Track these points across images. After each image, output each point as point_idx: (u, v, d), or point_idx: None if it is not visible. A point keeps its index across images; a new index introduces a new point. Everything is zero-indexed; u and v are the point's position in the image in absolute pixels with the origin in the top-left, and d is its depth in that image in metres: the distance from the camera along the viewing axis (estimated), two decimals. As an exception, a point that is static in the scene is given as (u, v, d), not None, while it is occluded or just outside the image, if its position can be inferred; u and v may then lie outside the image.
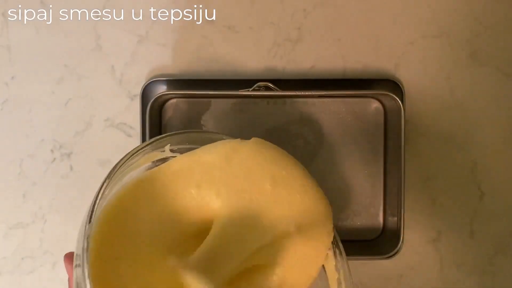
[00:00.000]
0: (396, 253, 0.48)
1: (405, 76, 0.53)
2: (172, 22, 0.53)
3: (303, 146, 0.52)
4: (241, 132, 0.52)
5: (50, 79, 0.53)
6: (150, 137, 0.48)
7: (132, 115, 0.53)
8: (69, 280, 0.37)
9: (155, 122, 0.50)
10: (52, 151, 0.53)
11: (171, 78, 0.52)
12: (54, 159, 0.53)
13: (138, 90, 0.52)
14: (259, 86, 0.49)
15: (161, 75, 0.52)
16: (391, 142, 0.51)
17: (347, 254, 0.51)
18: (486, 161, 0.54)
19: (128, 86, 0.53)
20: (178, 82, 0.52)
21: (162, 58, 0.53)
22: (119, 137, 0.53)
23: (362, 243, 0.52)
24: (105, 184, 0.33)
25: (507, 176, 0.54)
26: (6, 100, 0.53)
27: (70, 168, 0.53)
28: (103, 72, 0.53)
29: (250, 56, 0.53)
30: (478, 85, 0.53)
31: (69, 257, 0.37)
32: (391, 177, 0.51)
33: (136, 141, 0.53)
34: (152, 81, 0.51)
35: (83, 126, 0.53)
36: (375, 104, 0.51)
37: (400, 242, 0.48)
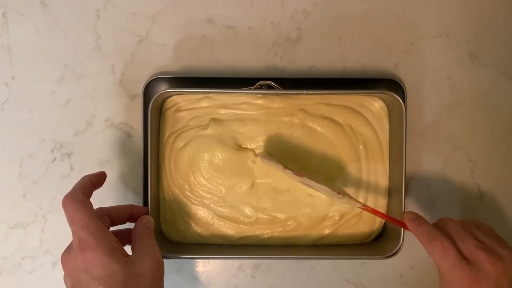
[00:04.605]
0: (396, 252, 0.48)
1: (405, 76, 0.53)
2: (172, 22, 0.53)
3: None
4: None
5: (50, 79, 0.53)
6: (152, 135, 0.48)
7: (132, 115, 0.53)
8: (71, 218, 0.39)
9: (156, 119, 0.50)
10: (52, 151, 0.53)
11: (173, 76, 0.52)
12: (54, 159, 0.53)
13: (138, 90, 0.52)
14: (261, 85, 0.49)
15: (163, 73, 0.52)
16: (393, 142, 0.51)
17: (349, 253, 0.51)
18: (486, 161, 0.54)
19: (128, 86, 0.53)
20: (180, 80, 0.52)
21: (162, 58, 0.53)
22: (119, 137, 0.53)
23: (363, 243, 0.53)
24: None
25: (507, 176, 0.54)
26: (6, 100, 0.53)
27: (70, 168, 0.53)
28: (103, 72, 0.53)
29: (250, 56, 0.53)
30: (478, 85, 0.53)
31: (71, 197, 0.40)
32: (393, 177, 0.51)
33: (136, 141, 0.53)
34: (154, 79, 0.51)
35: (83, 126, 0.53)
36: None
37: (401, 242, 0.48)
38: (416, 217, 0.44)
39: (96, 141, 0.53)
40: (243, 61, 0.53)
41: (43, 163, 0.53)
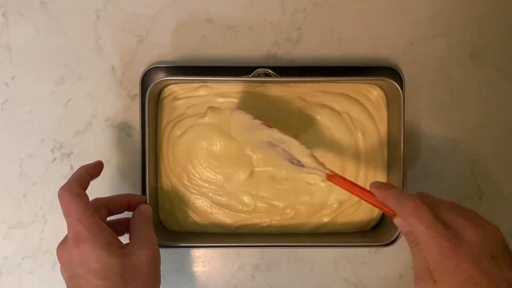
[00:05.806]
0: (394, 241, 0.48)
1: (405, 75, 0.53)
2: (172, 22, 0.53)
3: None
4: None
5: (50, 79, 0.53)
6: (150, 123, 0.48)
7: (132, 115, 0.53)
8: (67, 211, 0.39)
9: (154, 107, 0.50)
10: (52, 151, 0.53)
11: (171, 65, 0.52)
12: (54, 159, 0.53)
13: (138, 90, 0.52)
14: (258, 73, 0.49)
15: (161, 62, 0.52)
16: (391, 130, 0.51)
17: (347, 241, 0.51)
18: (486, 161, 0.54)
19: (128, 86, 0.53)
20: (177, 69, 0.52)
21: (162, 59, 0.53)
22: (119, 137, 0.53)
23: (362, 232, 0.53)
24: None
25: (507, 176, 0.54)
26: (6, 100, 0.53)
27: (70, 168, 0.53)
28: (103, 72, 0.53)
29: (250, 56, 0.53)
30: (478, 85, 0.53)
31: (67, 189, 0.39)
32: (392, 165, 0.51)
33: (136, 141, 0.53)
34: (152, 68, 0.51)
35: (83, 126, 0.53)
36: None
37: (399, 230, 0.47)
38: (383, 184, 0.41)
39: (96, 141, 0.53)
40: (243, 61, 0.53)
41: (43, 163, 0.53)
